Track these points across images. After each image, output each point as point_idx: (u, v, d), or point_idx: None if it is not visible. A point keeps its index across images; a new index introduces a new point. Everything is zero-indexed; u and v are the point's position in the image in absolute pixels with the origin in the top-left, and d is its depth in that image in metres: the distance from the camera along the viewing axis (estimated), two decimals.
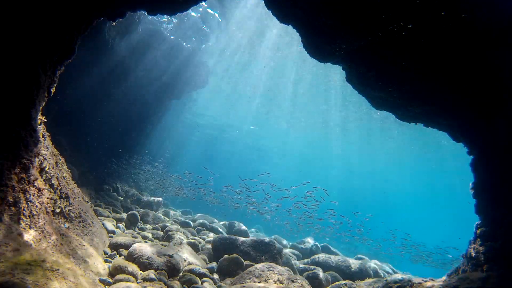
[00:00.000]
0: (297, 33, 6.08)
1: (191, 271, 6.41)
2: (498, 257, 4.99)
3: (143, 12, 6.12)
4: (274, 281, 6.18)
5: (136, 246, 6.34)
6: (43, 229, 4.28)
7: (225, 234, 11.25)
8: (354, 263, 9.83)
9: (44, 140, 5.04)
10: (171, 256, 6.33)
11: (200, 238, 10.23)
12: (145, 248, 6.26)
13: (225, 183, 15.76)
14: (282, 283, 6.16)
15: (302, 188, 14.17)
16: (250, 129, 36.91)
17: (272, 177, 15.76)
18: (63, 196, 5.53)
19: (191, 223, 12.29)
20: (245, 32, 17.87)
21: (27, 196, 4.14)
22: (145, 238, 8.44)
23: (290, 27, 6.08)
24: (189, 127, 40.11)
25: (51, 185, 5.16)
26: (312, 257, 10.71)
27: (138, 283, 5.22)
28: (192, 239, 9.44)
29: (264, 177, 15.37)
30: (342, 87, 19.48)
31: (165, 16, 14.84)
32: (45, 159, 5.00)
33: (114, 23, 11.53)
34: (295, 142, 38.10)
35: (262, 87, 25.02)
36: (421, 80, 5.49)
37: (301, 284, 6.35)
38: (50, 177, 5.13)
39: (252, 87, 25.41)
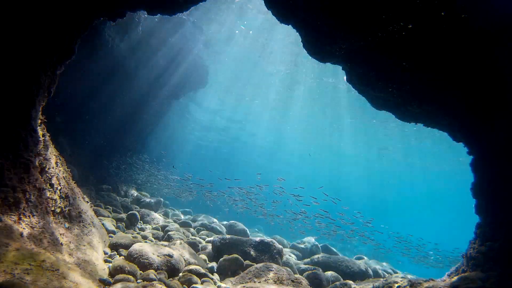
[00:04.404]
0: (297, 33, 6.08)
1: (191, 271, 6.40)
2: (498, 257, 5.00)
3: (143, 12, 6.13)
4: (274, 281, 6.19)
5: (136, 246, 6.34)
6: (43, 229, 4.28)
7: (225, 234, 11.25)
8: (354, 263, 9.83)
9: (44, 140, 5.03)
10: (171, 256, 6.33)
11: (200, 238, 10.23)
12: (145, 248, 6.25)
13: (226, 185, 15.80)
14: (282, 283, 6.16)
15: (308, 191, 14.28)
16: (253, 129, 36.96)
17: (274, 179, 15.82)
18: (63, 196, 5.52)
19: (191, 223, 12.29)
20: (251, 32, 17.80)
21: (27, 196, 4.14)
22: (145, 238, 8.43)
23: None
24: (190, 128, 40.16)
25: (51, 185, 5.15)
26: (312, 257, 10.71)
27: (138, 283, 5.21)
28: (192, 239, 9.44)
29: (261, 180, 15.43)
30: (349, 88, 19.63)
31: (165, 16, 14.85)
32: (45, 159, 5.00)
33: (114, 23, 11.52)
34: (295, 141, 38.16)
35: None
36: (421, 80, 5.49)
37: (301, 284, 6.35)
38: (50, 177, 5.13)
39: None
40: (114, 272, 5.36)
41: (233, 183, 15.19)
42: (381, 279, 8.45)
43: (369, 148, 32.85)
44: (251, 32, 17.64)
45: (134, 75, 15.09)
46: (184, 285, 5.86)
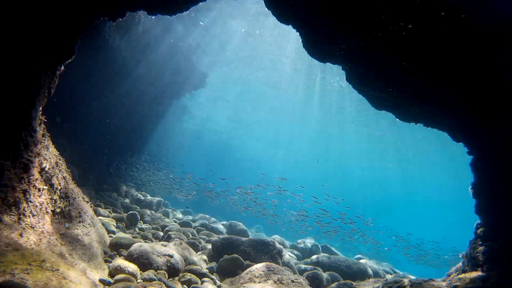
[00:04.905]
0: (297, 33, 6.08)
1: (191, 271, 6.41)
2: (498, 257, 4.99)
3: (143, 12, 6.13)
4: (274, 281, 6.19)
5: (136, 246, 6.34)
6: (43, 229, 4.28)
7: (226, 234, 11.25)
8: (354, 263, 9.83)
9: (44, 140, 5.04)
10: (171, 256, 6.34)
11: (200, 238, 10.23)
12: (145, 248, 6.25)
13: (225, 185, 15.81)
14: (282, 283, 6.16)
15: (308, 190, 14.30)
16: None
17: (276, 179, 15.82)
18: (63, 196, 5.52)
19: (191, 223, 12.29)
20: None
21: (27, 196, 4.15)
22: (145, 238, 8.43)
23: None
24: (191, 128, 40.19)
25: (51, 185, 5.16)
26: (312, 257, 10.71)
27: (138, 283, 5.22)
28: (192, 239, 9.44)
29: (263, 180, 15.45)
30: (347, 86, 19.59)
31: (164, 15, 14.82)
32: (45, 159, 5.00)
33: (114, 23, 11.52)
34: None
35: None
36: (421, 80, 5.49)
37: (301, 284, 6.35)
38: (50, 177, 5.13)
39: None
40: (114, 272, 5.36)
41: (232, 183, 15.21)
42: (381, 279, 8.46)
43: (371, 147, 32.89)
44: (257, 31, 17.58)
45: (134, 75, 15.10)
46: (184, 285, 5.86)
